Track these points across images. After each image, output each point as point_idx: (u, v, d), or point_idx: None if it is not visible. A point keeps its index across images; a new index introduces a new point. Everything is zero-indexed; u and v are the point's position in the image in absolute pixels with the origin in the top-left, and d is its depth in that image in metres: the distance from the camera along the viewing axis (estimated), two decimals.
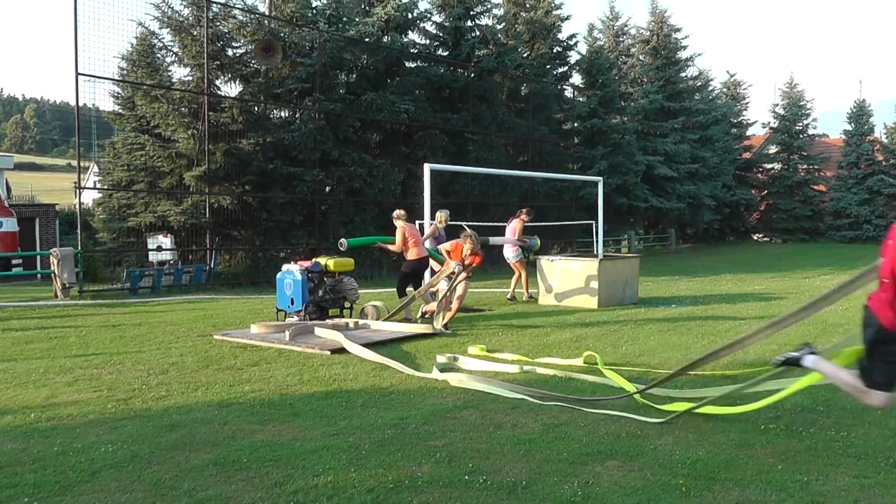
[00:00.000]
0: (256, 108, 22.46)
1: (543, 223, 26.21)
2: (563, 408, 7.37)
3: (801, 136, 51.57)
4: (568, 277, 16.01)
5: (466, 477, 5.43)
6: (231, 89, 22.72)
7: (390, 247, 13.94)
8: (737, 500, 5.13)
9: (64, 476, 5.41)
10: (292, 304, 12.45)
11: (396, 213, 13.98)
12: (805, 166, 51.70)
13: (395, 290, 14.36)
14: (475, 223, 25.94)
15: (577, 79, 35.85)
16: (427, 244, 14.60)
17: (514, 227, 17.07)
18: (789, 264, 29.84)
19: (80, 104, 18.01)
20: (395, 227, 13.79)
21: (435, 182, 21.37)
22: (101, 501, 4.96)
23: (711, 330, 12.61)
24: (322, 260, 12.89)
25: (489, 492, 5.17)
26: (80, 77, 17.65)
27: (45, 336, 11.62)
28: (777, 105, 52.22)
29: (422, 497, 5.05)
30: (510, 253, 16.96)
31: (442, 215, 15.86)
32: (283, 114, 24.17)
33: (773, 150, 52.76)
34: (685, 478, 5.53)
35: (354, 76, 25.14)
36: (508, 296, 16.90)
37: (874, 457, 6.10)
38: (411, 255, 13.67)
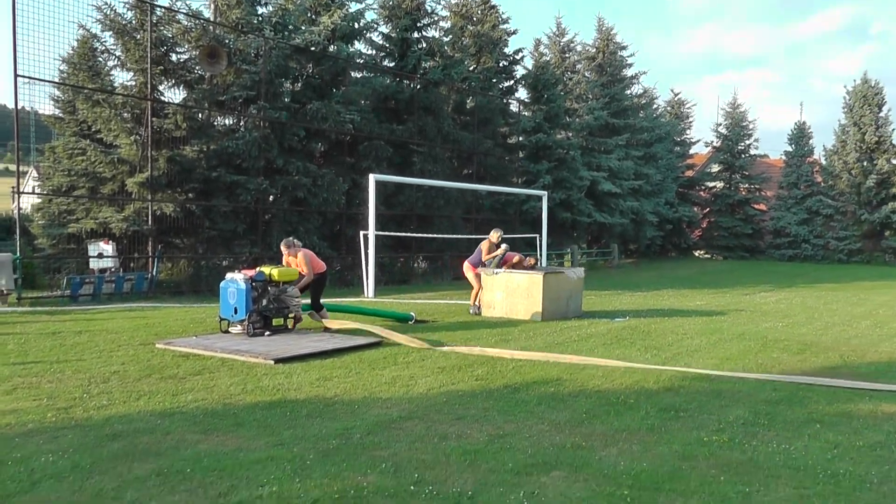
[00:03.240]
0: (200, 115, 22.30)
1: (482, 236, 26.36)
2: (508, 418, 7.45)
3: (742, 155, 52.43)
4: (512, 290, 16.12)
5: (412, 487, 5.48)
6: (175, 95, 22.55)
7: (304, 274, 13.78)
8: None
9: (2, 487, 5.37)
10: (236, 312, 12.37)
11: (292, 241, 13.97)
12: (746, 185, 52.65)
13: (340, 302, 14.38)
14: (420, 234, 26.09)
15: (522, 93, 36.20)
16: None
17: (483, 248, 17.15)
18: (730, 281, 30.32)
19: (19, 107, 17.73)
20: (294, 257, 13.78)
21: (380, 193, 21.48)
22: None
23: (654, 343, 12.81)
24: (266, 269, 12.85)
25: (435, 502, 5.23)
26: (18, 79, 17.40)
27: None
28: (720, 125, 53.10)
29: None
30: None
31: (496, 234, 17.27)
32: (227, 121, 24.00)
33: (715, 168, 53.54)
34: (630, 489, 5.62)
35: (300, 85, 25.09)
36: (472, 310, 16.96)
37: (813, 469, 6.26)
38: (317, 269, 13.86)
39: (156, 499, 5.18)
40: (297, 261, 13.64)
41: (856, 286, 29.22)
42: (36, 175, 29.46)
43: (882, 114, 49.04)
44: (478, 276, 16.73)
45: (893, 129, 48.96)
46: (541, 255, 27.31)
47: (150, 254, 20.62)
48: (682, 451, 6.63)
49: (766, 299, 22.37)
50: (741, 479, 5.95)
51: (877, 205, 48.16)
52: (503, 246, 16.84)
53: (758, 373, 10.46)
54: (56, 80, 22.14)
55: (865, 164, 48.81)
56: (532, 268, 17.12)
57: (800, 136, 51.33)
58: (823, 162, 51.26)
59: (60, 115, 24.16)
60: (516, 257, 17.09)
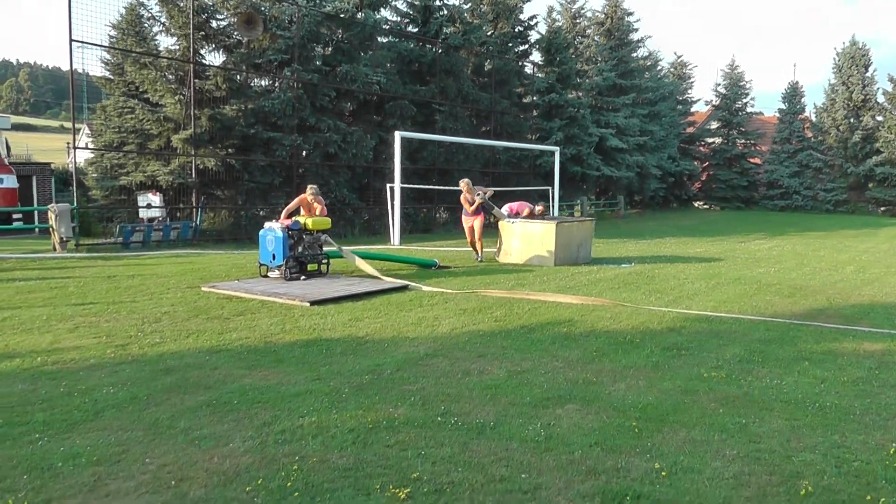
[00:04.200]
0: (238, 77, 22.22)
1: (504, 188, 26.31)
2: (525, 356, 7.52)
3: (739, 113, 51.90)
4: (527, 239, 16.12)
5: (439, 418, 5.55)
6: (215, 58, 22.51)
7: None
8: (683, 440, 5.29)
9: (70, 415, 5.47)
10: (274, 258, 12.44)
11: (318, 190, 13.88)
12: (743, 141, 52.19)
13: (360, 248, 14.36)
14: (441, 187, 26.07)
15: (536, 56, 35.75)
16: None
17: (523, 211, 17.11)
18: (726, 229, 30.19)
19: (73, 69, 17.74)
20: (320, 204, 13.69)
21: (404, 148, 21.43)
22: (105, 439, 5.03)
23: (658, 287, 12.82)
24: (301, 219, 12.90)
25: (460, 432, 5.29)
26: (73, 43, 17.39)
27: (45, 286, 11.54)
28: (719, 85, 52.46)
29: (399, 436, 5.15)
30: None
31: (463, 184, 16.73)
32: (263, 82, 23.91)
33: (714, 125, 53.06)
34: (637, 420, 5.68)
35: (330, 49, 24.93)
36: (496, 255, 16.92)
37: (803, 402, 6.30)
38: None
39: (207, 427, 5.27)
40: (321, 207, 13.64)
41: (841, 234, 29.06)
42: (89, 132, 29.48)
43: (868, 73, 48.72)
44: (471, 229, 16.66)
45: (878, 88, 48.70)
46: (553, 206, 27.22)
47: (193, 204, 20.70)
48: (685, 386, 6.68)
49: (759, 246, 22.28)
50: (738, 411, 6.01)
51: (862, 158, 47.81)
52: (479, 195, 16.57)
53: (752, 314, 10.47)
54: (107, 44, 22.14)
55: (852, 120, 48.53)
56: (542, 215, 17.12)
57: (792, 94, 50.89)
58: (814, 119, 50.82)
59: (110, 76, 24.12)
60: (526, 210, 17.04)
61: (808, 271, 16.02)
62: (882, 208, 47.33)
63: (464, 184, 16.47)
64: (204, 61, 21.85)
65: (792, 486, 4.57)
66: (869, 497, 4.46)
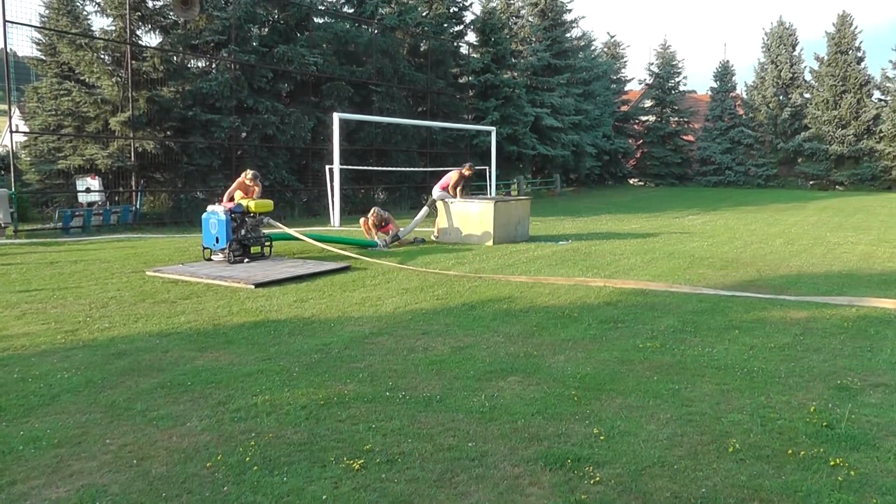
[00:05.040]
0: (176, 58, 22.05)
1: (441, 168, 26.52)
2: (467, 332, 7.73)
3: (672, 92, 52.86)
4: (466, 218, 16.36)
5: (387, 393, 5.74)
6: (152, 39, 22.30)
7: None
8: (620, 406, 5.57)
9: (27, 400, 5.53)
10: (217, 242, 12.49)
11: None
12: (676, 119, 53.22)
13: (295, 231, 14.37)
14: (379, 168, 26.18)
15: (471, 37, 35.94)
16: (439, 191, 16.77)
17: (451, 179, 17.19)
18: (661, 206, 30.73)
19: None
20: (258, 187, 13.72)
21: (342, 129, 21.45)
22: (64, 422, 5.11)
23: (595, 263, 13.10)
24: (244, 202, 12.94)
25: (408, 405, 5.49)
26: (6, 24, 17.11)
27: None
28: (652, 64, 53.33)
29: (350, 411, 5.33)
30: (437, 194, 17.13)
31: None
32: (200, 64, 23.75)
33: (648, 104, 53.89)
34: (576, 389, 5.94)
35: (267, 30, 24.87)
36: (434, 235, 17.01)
37: (732, 367, 6.64)
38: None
39: (163, 408, 5.38)
40: (259, 190, 13.65)
41: (772, 208, 29.79)
42: (19, 115, 28.92)
43: (795, 52, 50.31)
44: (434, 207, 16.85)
45: (805, 66, 50.36)
46: (490, 185, 27.47)
47: (133, 188, 20.54)
48: (621, 356, 6.95)
49: (693, 222, 22.77)
50: (671, 378, 6.30)
51: (791, 135, 49.40)
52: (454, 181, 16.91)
53: (686, 287, 10.82)
54: (38, 24, 21.80)
55: (781, 98, 50.10)
56: (468, 177, 17.26)
57: (724, 73, 52.06)
58: (745, 96, 52.01)
59: (42, 57, 23.72)
60: (456, 174, 17.04)
61: (740, 244, 16.47)
62: (811, 182, 48.84)
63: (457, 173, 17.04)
64: (141, 42, 21.64)
65: (721, 444, 4.88)
66: (790, 451, 4.79)
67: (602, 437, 4.95)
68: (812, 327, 8.32)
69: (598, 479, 4.33)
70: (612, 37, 56.69)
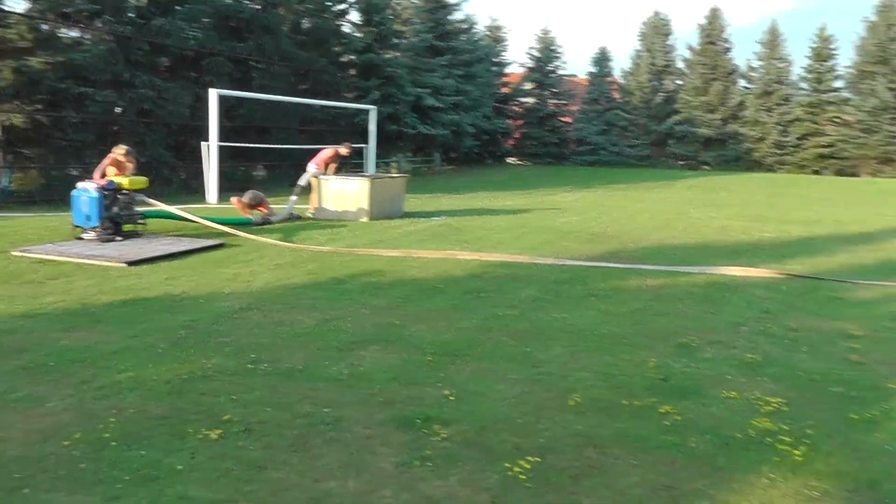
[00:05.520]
0: (45, 27, 21.23)
1: (321, 146, 26.39)
2: (334, 306, 7.83)
3: (551, 75, 53.84)
4: (342, 195, 16.40)
5: (250, 366, 5.83)
6: (17, 4, 21.40)
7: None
8: (473, 370, 5.84)
9: None
10: (88, 220, 12.19)
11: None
12: (554, 101, 54.30)
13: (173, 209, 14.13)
14: (259, 145, 25.89)
15: (354, 16, 35.82)
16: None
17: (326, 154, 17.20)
18: (537, 184, 31.33)
19: None
20: (131, 164, 13.49)
21: (221, 106, 21.13)
22: None
23: (466, 238, 13.41)
24: (117, 178, 12.67)
25: (270, 377, 5.59)
26: None
27: None
28: (532, 48, 54.14)
29: (212, 384, 5.40)
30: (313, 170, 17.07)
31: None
32: (73, 34, 22.91)
33: (528, 86, 54.58)
34: (433, 356, 6.15)
35: (145, 1, 24.19)
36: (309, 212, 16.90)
37: (583, 331, 7.01)
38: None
39: (23, 389, 5.26)
40: (133, 167, 13.37)
41: (641, 187, 30.87)
42: None
43: (669, 42, 52.85)
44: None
45: (678, 55, 53.06)
46: (369, 163, 27.47)
47: (0, 164, 19.79)
48: (480, 324, 7.20)
49: (565, 199, 23.36)
50: (525, 342, 6.60)
51: (663, 118, 51.61)
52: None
53: (550, 258, 11.16)
54: None
55: (655, 83, 52.28)
56: (346, 156, 17.33)
57: (601, 59, 53.85)
58: (621, 81, 53.73)
59: None
60: (331, 151, 17.23)
61: (607, 220, 17.03)
62: (681, 162, 51.38)
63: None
64: (4, 7, 20.72)
65: (563, 400, 5.20)
66: (625, 401, 5.18)
67: (452, 399, 5.18)
68: (663, 293, 8.80)
69: (444, 435, 4.55)
70: (494, 21, 57.51)
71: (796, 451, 4.46)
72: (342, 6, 34.83)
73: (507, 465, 4.19)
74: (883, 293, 9.53)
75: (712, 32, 51.58)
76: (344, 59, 35.09)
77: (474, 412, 4.95)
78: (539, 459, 4.27)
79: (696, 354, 6.41)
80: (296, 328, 6.97)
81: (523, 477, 4.06)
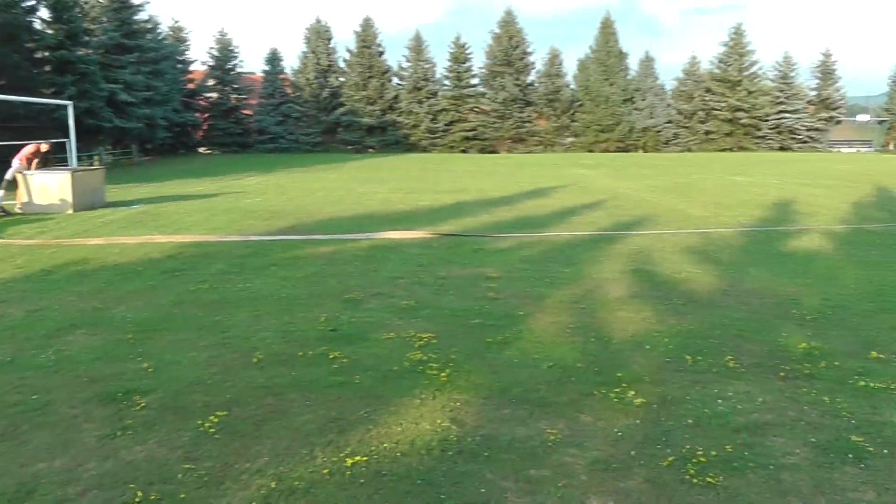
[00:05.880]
0: None
1: (22, 142, 24.18)
2: (42, 296, 7.34)
3: (231, 73, 52.63)
4: (46, 189, 15.29)
5: None
6: None
7: None
8: (169, 342, 5.76)
9: None
10: None
11: None
12: (236, 96, 53.10)
13: None
14: None
15: (45, 13, 32.74)
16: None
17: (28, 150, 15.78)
18: (224, 171, 30.55)
19: None
20: None
21: None
22: None
23: (163, 223, 13.04)
24: None
25: None
26: None
27: None
28: (212, 48, 52.49)
29: None
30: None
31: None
32: None
33: (211, 82, 52.93)
34: (133, 333, 6.01)
35: None
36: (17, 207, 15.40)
37: (266, 297, 7.22)
38: None
39: None
40: None
41: (316, 169, 31.28)
42: None
43: (331, 45, 54.42)
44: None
45: (339, 56, 54.68)
46: (70, 157, 25.54)
47: None
48: (175, 300, 7.15)
49: (250, 182, 23.18)
50: (214, 312, 6.66)
51: (331, 110, 52.98)
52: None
53: (237, 236, 11.22)
54: None
55: (321, 80, 53.30)
56: (46, 152, 16.22)
57: (273, 58, 53.67)
58: (292, 78, 54.03)
59: None
60: (33, 147, 15.95)
61: (286, 199, 17.23)
62: (349, 147, 53.23)
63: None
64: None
65: (248, 358, 5.35)
66: (300, 353, 5.42)
67: (150, 370, 5.12)
68: (334, 258, 9.27)
69: (144, 404, 4.51)
70: (176, 22, 55.31)
71: (443, 374, 4.93)
72: (32, 2, 31.68)
73: (199, 422, 4.23)
74: (517, 242, 10.71)
75: (367, 38, 54.19)
76: (38, 55, 32.06)
77: (170, 379, 4.91)
78: (226, 413, 4.35)
79: (361, 306, 6.79)
80: (4, 321, 6.44)
81: (213, 430, 4.12)
